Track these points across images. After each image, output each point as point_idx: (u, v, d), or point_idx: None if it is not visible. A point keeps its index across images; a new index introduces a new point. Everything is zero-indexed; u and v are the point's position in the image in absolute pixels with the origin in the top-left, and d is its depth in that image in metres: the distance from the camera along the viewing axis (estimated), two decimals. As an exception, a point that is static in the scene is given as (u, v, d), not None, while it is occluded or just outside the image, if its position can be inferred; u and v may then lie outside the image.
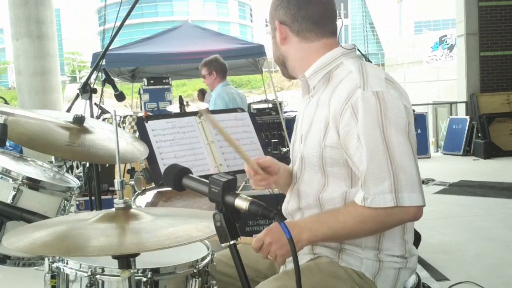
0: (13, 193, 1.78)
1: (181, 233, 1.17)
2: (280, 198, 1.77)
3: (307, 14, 1.54)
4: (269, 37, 1.67)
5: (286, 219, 1.66)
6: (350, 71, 1.44)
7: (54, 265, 1.32)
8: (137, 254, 1.19)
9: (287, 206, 1.63)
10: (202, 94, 9.95)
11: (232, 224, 1.12)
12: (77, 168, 4.10)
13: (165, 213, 1.40)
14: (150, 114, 2.74)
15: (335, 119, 1.40)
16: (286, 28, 1.56)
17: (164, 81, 8.81)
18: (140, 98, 8.93)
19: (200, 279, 1.34)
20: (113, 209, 1.26)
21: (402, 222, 1.41)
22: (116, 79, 8.97)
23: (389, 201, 1.32)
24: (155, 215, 1.28)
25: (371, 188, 1.34)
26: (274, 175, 1.62)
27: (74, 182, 2.12)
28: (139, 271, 1.27)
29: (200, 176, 1.22)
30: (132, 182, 2.29)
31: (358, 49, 1.79)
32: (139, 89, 9.07)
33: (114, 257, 1.18)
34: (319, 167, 1.48)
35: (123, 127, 4.12)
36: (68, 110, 2.59)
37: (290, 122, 7.58)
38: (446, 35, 23.36)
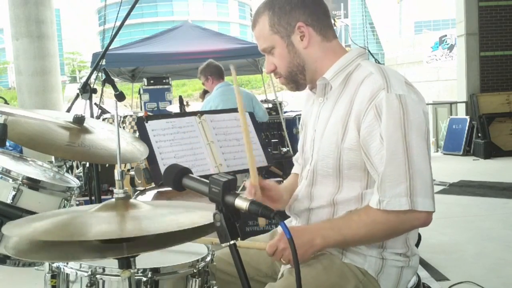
0: (13, 193, 1.78)
1: (183, 219, 1.18)
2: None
3: (324, 9, 1.51)
4: (277, 49, 1.49)
5: (286, 218, 1.66)
6: (371, 72, 1.43)
7: (54, 265, 1.32)
8: (137, 254, 1.19)
9: (293, 207, 1.61)
10: (204, 94, 9.94)
11: (232, 224, 1.12)
12: (77, 168, 4.10)
13: (163, 204, 1.41)
14: (150, 114, 2.75)
15: (357, 119, 1.39)
16: (309, 28, 1.48)
17: (164, 81, 8.82)
18: (140, 98, 8.94)
19: (200, 279, 1.34)
20: (113, 200, 1.26)
21: (413, 227, 1.42)
22: (116, 79, 8.97)
23: (404, 205, 1.32)
24: (154, 205, 1.29)
25: (387, 191, 1.34)
26: (275, 202, 1.60)
27: (74, 182, 2.12)
28: (139, 271, 1.27)
29: (200, 176, 1.22)
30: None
31: (368, 50, 1.78)
32: (139, 89, 9.07)
33: (115, 257, 1.18)
34: (334, 169, 1.46)
35: (123, 127, 4.13)
36: (68, 110, 2.59)
37: (290, 122, 7.56)
38: (446, 35, 23.34)
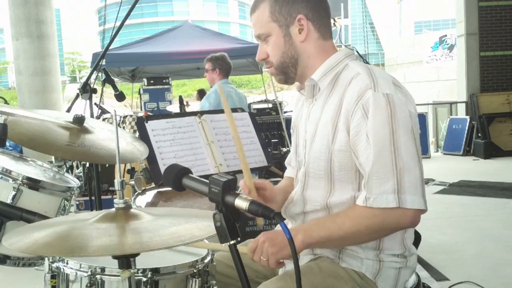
0: (13, 193, 1.79)
1: (183, 232, 1.17)
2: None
3: (326, 7, 1.51)
4: (273, 37, 1.48)
5: (285, 219, 1.66)
6: (358, 73, 1.42)
7: (54, 265, 1.32)
8: (137, 254, 1.19)
9: (288, 210, 1.61)
10: (200, 95, 9.95)
11: (232, 224, 1.12)
12: (77, 168, 4.11)
13: (165, 213, 1.40)
14: (150, 114, 2.74)
15: (346, 120, 1.39)
16: (309, 23, 1.48)
17: (164, 81, 8.83)
18: (140, 98, 8.95)
19: (200, 279, 1.34)
20: (113, 209, 1.26)
21: (400, 226, 1.38)
22: (116, 79, 8.98)
23: (392, 202, 1.31)
24: (155, 215, 1.28)
25: (374, 188, 1.33)
26: (268, 202, 1.58)
27: (74, 182, 2.12)
28: (139, 271, 1.27)
29: (200, 176, 1.21)
30: (132, 182, 2.29)
31: (356, 51, 1.78)
32: (139, 89, 9.08)
33: (114, 257, 1.18)
34: (325, 172, 1.46)
35: (123, 127, 4.13)
36: (68, 110, 2.60)
37: (290, 122, 7.56)
38: (446, 35, 23.35)
